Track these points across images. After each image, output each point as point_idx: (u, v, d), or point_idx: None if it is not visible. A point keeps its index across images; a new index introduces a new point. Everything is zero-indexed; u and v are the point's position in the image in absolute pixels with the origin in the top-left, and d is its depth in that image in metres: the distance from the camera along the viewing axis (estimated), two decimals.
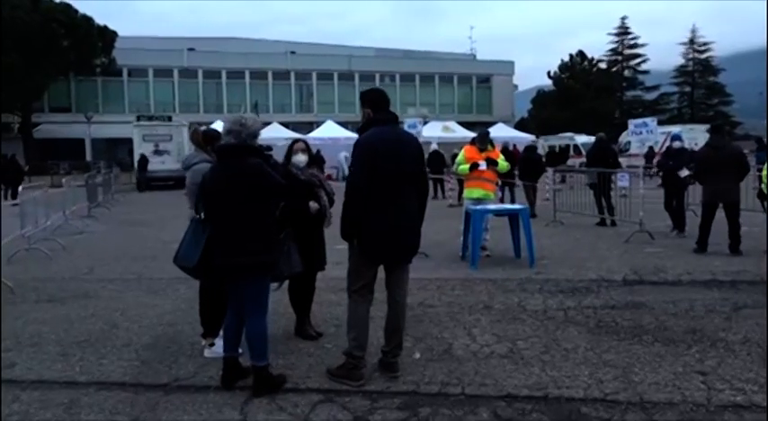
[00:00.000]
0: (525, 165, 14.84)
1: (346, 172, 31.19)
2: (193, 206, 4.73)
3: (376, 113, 4.40)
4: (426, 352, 4.98)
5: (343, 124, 43.04)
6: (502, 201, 15.21)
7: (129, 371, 4.66)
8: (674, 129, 41.20)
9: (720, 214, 8.96)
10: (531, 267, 8.17)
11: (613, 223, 12.00)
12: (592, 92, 53.44)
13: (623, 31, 68.17)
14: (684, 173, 10.14)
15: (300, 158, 5.34)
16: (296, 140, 5.49)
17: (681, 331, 5.41)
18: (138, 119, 35.00)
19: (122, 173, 30.87)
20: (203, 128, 5.37)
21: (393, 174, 4.23)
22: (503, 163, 9.04)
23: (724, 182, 8.62)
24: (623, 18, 68.93)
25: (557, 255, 9.12)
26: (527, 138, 39.16)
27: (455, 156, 36.03)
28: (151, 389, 4.32)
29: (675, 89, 70.28)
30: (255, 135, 4.45)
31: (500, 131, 37.17)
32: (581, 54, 56.54)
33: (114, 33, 41.53)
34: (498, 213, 8.95)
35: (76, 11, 39.23)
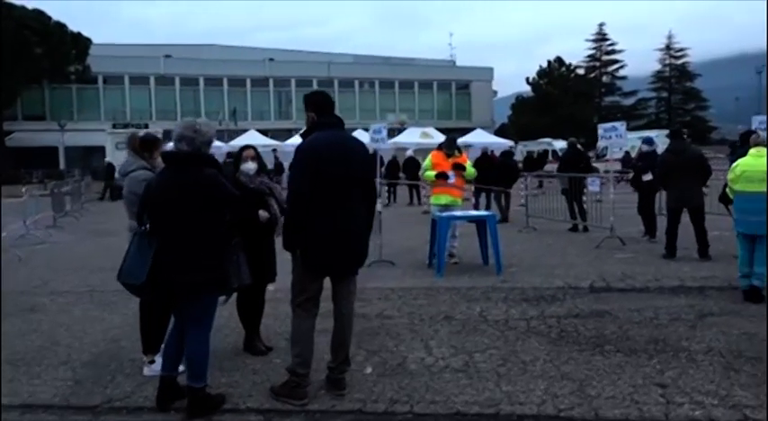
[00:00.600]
0: (501, 171, 14.71)
1: None
2: (134, 216, 4.48)
3: (320, 117, 4.19)
4: (379, 366, 4.76)
5: None
6: (476, 207, 15.08)
7: (60, 392, 4.39)
8: (652, 133, 41.64)
9: (687, 219, 8.86)
10: (497, 275, 7.99)
11: (586, 229, 11.89)
12: (570, 97, 53.74)
13: (601, 37, 68.77)
14: (648, 177, 10.05)
15: (250, 166, 5.10)
16: (244, 148, 5.26)
17: (643, 341, 5.24)
18: (114, 126, 34.50)
19: (95, 181, 30.35)
20: (142, 132, 5.12)
21: (337, 180, 4.02)
22: (470, 168, 8.88)
23: (686, 186, 8.53)
24: (601, 24, 69.65)
25: (526, 262, 8.95)
26: (505, 143, 39.21)
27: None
28: (80, 412, 4.06)
29: (653, 94, 71.03)
30: (210, 142, 4.22)
31: (478, 137, 37.17)
32: (559, 60, 56.86)
33: (88, 40, 40.95)
34: (465, 220, 8.77)
35: (50, 17, 38.66)
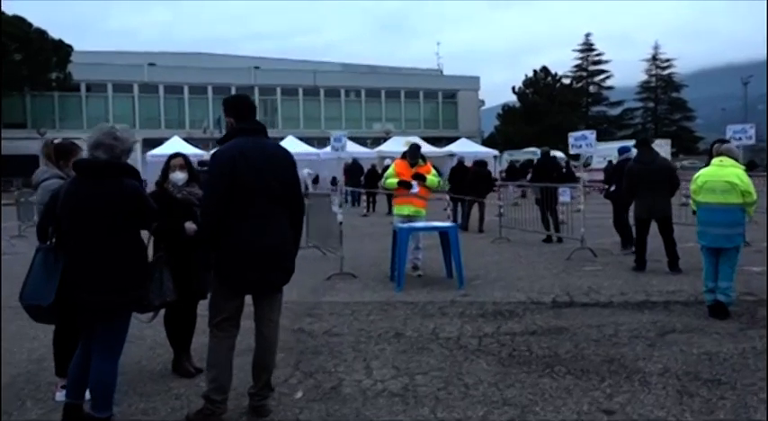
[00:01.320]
0: (475, 181, 14.45)
1: (310, 188, 30.36)
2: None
3: (239, 123, 3.89)
4: (311, 390, 4.44)
5: (309, 140, 42.56)
6: (454, 219, 14.76)
7: None
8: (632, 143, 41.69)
9: (656, 230, 8.63)
10: (459, 288, 7.69)
11: (560, 240, 11.63)
12: (556, 107, 53.77)
13: (587, 47, 69.05)
14: (612, 188, 9.82)
15: (179, 176, 4.78)
16: (173, 156, 4.94)
17: (598, 360, 4.96)
18: None
19: None
20: (57, 140, 4.80)
21: (255, 189, 3.72)
22: (432, 178, 8.59)
23: (654, 197, 8.29)
24: (587, 35, 69.92)
25: (492, 274, 8.67)
26: (490, 153, 39.12)
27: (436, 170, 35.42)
28: None
29: (640, 105, 71.33)
30: (130, 151, 3.91)
31: (463, 147, 37.04)
32: (545, 70, 56.95)
33: (69, 47, 40.54)
34: (426, 231, 8.47)
35: (30, 24, 38.26)
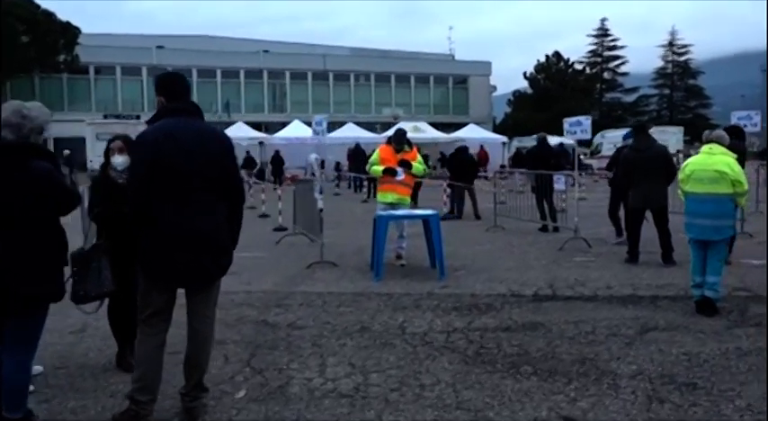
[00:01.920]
0: (457, 167, 14.07)
1: (317, 174, 30.21)
2: None
3: (170, 102, 3.60)
4: (256, 389, 4.17)
5: (317, 124, 42.16)
6: (452, 207, 14.41)
7: None
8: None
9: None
10: (439, 279, 7.39)
11: (556, 229, 11.27)
12: (568, 93, 52.93)
13: (603, 32, 67.89)
14: (609, 174, 9.43)
15: (118, 160, 4.49)
16: (113, 139, 4.66)
17: (569, 360, 4.65)
18: (105, 117, 33.89)
19: (80, 173, 29.79)
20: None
21: (185, 174, 3.43)
22: (418, 165, 8.26)
23: (649, 186, 7.91)
24: (603, 20, 68.72)
25: (477, 265, 8.35)
26: (499, 139, 38.62)
27: (425, 157, 34.82)
28: None
29: (655, 91, 70.17)
30: (41, 130, 3.64)
31: (471, 133, 36.60)
32: (557, 55, 56.04)
33: (77, 30, 40.34)
34: (406, 219, 8.16)
35: (38, 6, 38.10)
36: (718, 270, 5.71)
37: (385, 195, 8.22)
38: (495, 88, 61.41)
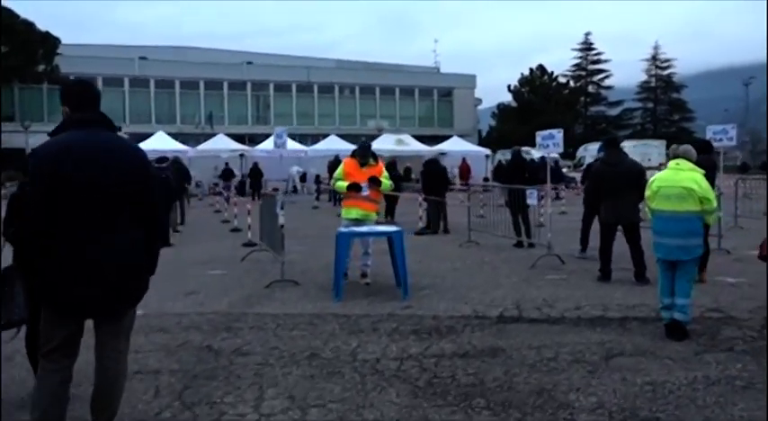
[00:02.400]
0: (427, 180, 13.79)
1: (298, 187, 29.60)
2: None
3: (74, 113, 3.27)
4: None
5: (303, 137, 41.97)
6: (428, 222, 14.09)
7: None
8: (631, 143, 40.95)
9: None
10: (403, 299, 7.07)
11: (531, 245, 10.99)
12: (552, 106, 53.05)
13: (587, 46, 68.40)
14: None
15: None
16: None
17: (526, 391, 4.33)
18: None
19: None
20: None
21: (86, 194, 3.10)
22: (386, 181, 7.96)
23: (620, 201, 7.66)
24: (587, 34, 69.24)
25: (446, 283, 8.05)
26: (482, 151, 38.47)
27: (407, 170, 34.56)
28: None
29: (639, 105, 70.67)
30: None
31: (454, 145, 36.51)
32: (541, 68, 56.22)
33: (57, 40, 39.91)
34: (369, 236, 7.84)
35: (17, 15, 37.63)
36: (688, 291, 5.44)
37: (349, 211, 7.91)
38: (480, 101, 61.51)
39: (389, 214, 16.52)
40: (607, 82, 68.72)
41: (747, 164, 52.73)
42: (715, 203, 5.36)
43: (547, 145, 9.43)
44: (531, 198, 9.97)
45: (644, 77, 70.45)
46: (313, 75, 51.78)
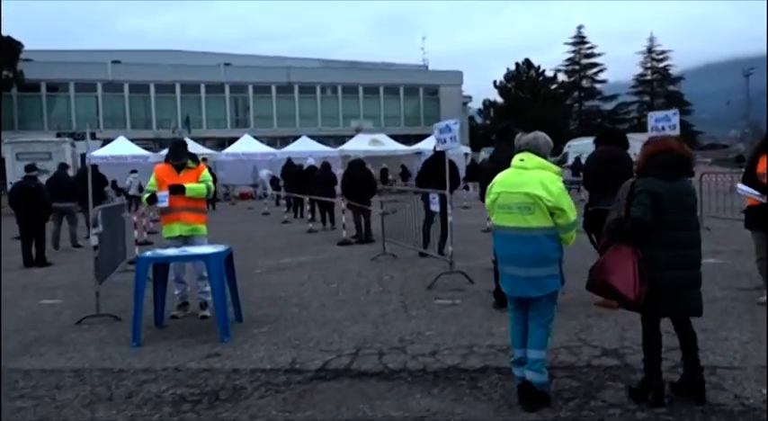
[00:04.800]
0: (349, 185, 12.20)
1: (268, 190, 27.79)
2: None
3: None
4: None
5: (284, 139, 40.48)
6: (358, 231, 12.47)
7: None
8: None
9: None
10: (221, 341, 5.50)
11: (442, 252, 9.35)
12: (539, 101, 51.31)
13: (580, 40, 66.55)
14: None
15: None
16: None
17: None
18: (59, 136, 31.98)
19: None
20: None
21: None
22: (196, 186, 6.33)
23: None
24: (579, 27, 67.42)
25: (300, 316, 6.46)
26: (461, 150, 36.79)
27: (384, 171, 32.73)
28: None
29: (635, 98, 68.77)
30: None
31: (431, 144, 34.76)
32: (527, 62, 54.46)
33: (20, 45, 38.56)
34: (178, 261, 6.24)
35: None
36: (542, 342, 3.85)
37: (170, 228, 6.35)
38: (470, 98, 59.86)
39: (330, 221, 14.92)
40: (601, 76, 66.94)
41: (743, 156, 50.85)
42: (573, 215, 3.77)
43: (444, 139, 7.85)
44: (434, 203, 8.37)
45: (640, 70, 68.65)
46: (293, 75, 50.28)
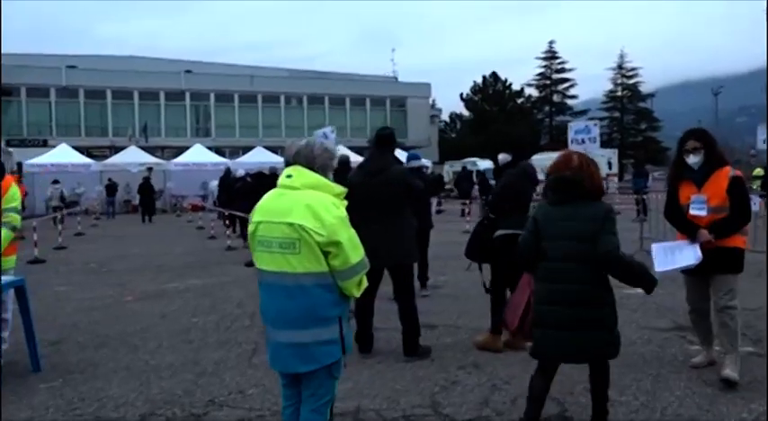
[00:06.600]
0: (242, 197, 11.09)
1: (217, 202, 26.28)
2: None
3: None
4: None
5: (246, 149, 39.17)
6: None
7: None
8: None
9: None
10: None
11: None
12: (505, 114, 50.69)
13: (551, 55, 66.29)
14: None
15: None
16: None
17: None
18: (9, 144, 30.47)
19: None
20: None
21: None
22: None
23: (380, 229, 4.87)
24: (551, 42, 67.07)
25: (123, 360, 5.28)
26: (424, 163, 35.84)
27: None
28: None
29: (605, 114, 68.64)
30: None
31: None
32: (494, 75, 53.88)
33: None
34: None
35: None
36: None
37: None
38: (440, 111, 59.14)
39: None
40: (572, 91, 66.72)
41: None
42: (355, 256, 2.68)
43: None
44: None
45: (610, 87, 68.63)
46: (257, 84, 49.10)
